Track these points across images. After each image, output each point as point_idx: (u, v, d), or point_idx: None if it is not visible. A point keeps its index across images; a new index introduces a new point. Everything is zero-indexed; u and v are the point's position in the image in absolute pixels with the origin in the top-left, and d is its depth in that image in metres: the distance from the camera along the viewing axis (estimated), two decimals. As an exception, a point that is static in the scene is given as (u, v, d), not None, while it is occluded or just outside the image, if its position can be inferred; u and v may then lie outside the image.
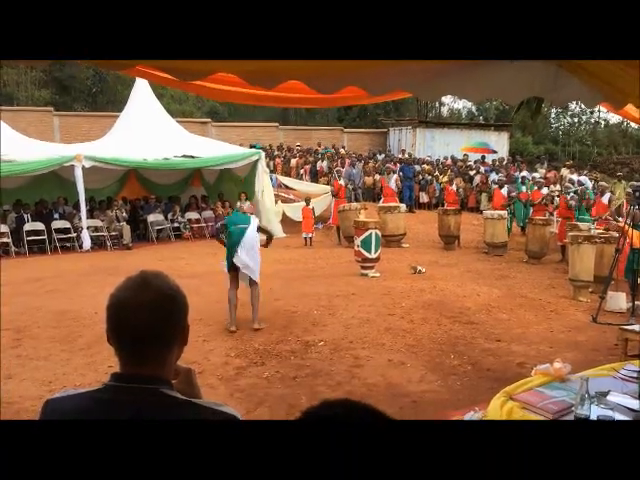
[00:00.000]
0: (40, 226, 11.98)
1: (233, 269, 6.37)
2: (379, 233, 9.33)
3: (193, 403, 1.21)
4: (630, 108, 3.74)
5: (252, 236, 6.35)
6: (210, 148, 14.26)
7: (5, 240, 11.56)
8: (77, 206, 12.37)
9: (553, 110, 33.46)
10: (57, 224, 12.27)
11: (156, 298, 1.18)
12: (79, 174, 11.74)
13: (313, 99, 3.47)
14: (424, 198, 17.31)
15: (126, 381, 1.18)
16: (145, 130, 13.59)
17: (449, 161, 19.15)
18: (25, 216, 12.12)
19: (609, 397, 2.68)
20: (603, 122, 33.97)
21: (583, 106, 32.58)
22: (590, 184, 13.03)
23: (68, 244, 12.29)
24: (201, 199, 14.94)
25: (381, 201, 14.33)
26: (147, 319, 1.16)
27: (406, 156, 20.22)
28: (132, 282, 1.20)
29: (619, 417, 2.41)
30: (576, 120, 34.66)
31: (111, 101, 25.49)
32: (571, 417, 2.44)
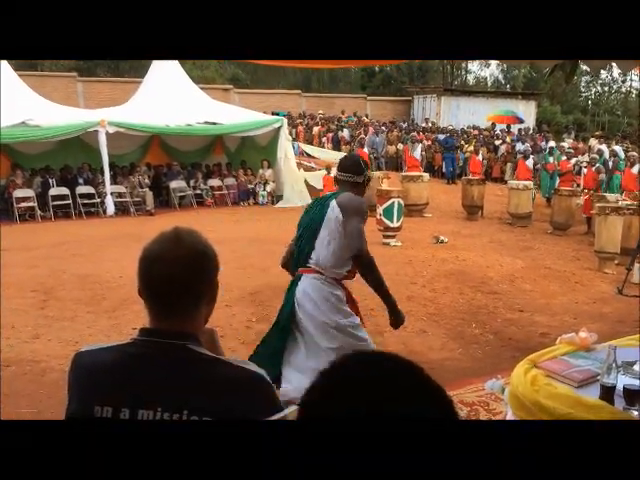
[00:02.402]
0: (65, 191, 12.12)
1: None
2: (402, 202, 9.26)
3: (221, 360, 1.22)
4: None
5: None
6: (232, 115, 14.19)
7: (31, 204, 11.74)
8: (101, 172, 12.48)
9: (583, 79, 32.56)
10: (81, 189, 12.40)
11: (188, 253, 1.18)
12: (103, 140, 11.80)
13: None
14: (448, 168, 17.10)
15: (155, 336, 1.19)
16: (167, 96, 13.54)
17: (475, 131, 18.83)
18: (50, 181, 12.26)
19: (636, 367, 2.64)
20: (635, 92, 33.00)
21: (614, 75, 31.67)
22: (623, 155, 12.65)
23: (92, 209, 12.43)
24: (225, 166, 14.95)
25: (404, 170, 14.19)
26: (178, 273, 1.16)
27: (429, 125, 19.92)
28: (165, 237, 1.21)
29: (646, 387, 2.38)
30: (606, 89, 33.73)
31: (134, 67, 25.44)
32: (596, 386, 2.42)
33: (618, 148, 13.98)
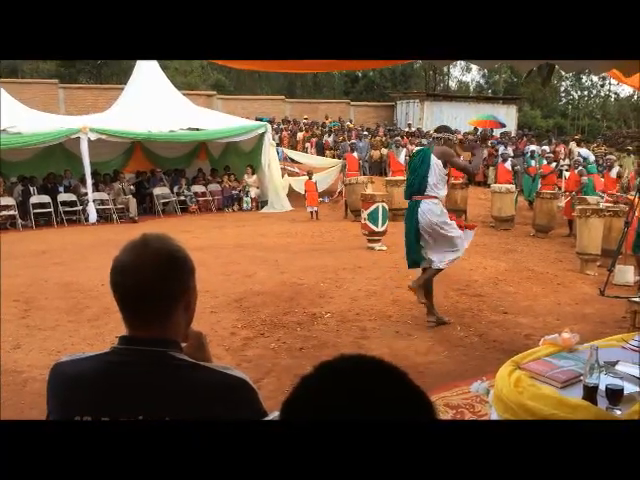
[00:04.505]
0: (46, 199, 12.00)
1: None
2: (386, 206, 9.29)
3: (202, 366, 1.20)
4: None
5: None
6: (216, 121, 14.16)
7: (12, 213, 11.59)
8: (83, 179, 12.36)
9: (563, 83, 33.01)
10: (63, 197, 12.28)
11: (155, 258, 1.17)
12: (85, 146, 11.70)
13: (330, 63, 3.40)
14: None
15: (133, 344, 1.17)
16: (150, 102, 13.48)
17: (461, 135, 18.92)
18: (31, 189, 12.12)
19: (618, 367, 2.67)
20: (614, 95, 33.55)
21: (594, 79, 32.14)
22: (592, 158, 12.86)
23: (74, 217, 12.32)
24: (210, 172, 14.89)
25: (389, 175, 14.23)
26: (145, 279, 1.15)
27: (413, 130, 20.03)
28: (133, 244, 1.20)
29: (628, 386, 2.40)
30: (586, 93, 34.22)
31: (116, 73, 25.33)
32: (579, 386, 2.44)
33: (587, 152, 14.18)
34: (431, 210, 5.04)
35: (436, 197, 5.07)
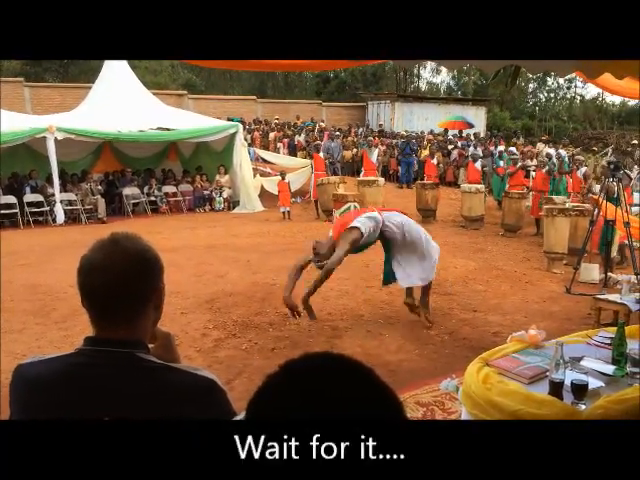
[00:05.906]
0: (12, 199, 11.71)
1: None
2: (358, 206, 9.34)
3: (170, 367, 1.18)
4: (606, 78, 3.73)
5: None
6: (186, 121, 14.03)
7: (-24, 214, 11.30)
8: (50, 179, 12.11)
9: (530, 85, 33.63)
10: (29, 198, 12.01)
11: (124, 258, 1.15)
12: (52, 146, 11.46)
13: (304, 64, 3.41)
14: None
15: (99, 345, 1.15)
16: (119, 101, 13.29)
17: (430, 135, 19.12)
18: (-5, 189, 11.84)
19: (583, 362, 2.74)
20: (579, 97, 34.30)
21: (560, 81, 32.82)
22: (567, 158, 13.20)
23: (41, 218, 12.06)
24: (180, 172, 14.74)
25: (361, 174, 14.29)
26: (114, 279, 1.13)
27: (384, 130, 20.16)
28: (101, 244, 1.18)
29: (592, 381, 2.46)
30: (553, 95, 34.92)
31: (84, 72, 24.86)
32: (545, 382, 2.49)
33: (563, 152, 14.50)
34: None
35: None
